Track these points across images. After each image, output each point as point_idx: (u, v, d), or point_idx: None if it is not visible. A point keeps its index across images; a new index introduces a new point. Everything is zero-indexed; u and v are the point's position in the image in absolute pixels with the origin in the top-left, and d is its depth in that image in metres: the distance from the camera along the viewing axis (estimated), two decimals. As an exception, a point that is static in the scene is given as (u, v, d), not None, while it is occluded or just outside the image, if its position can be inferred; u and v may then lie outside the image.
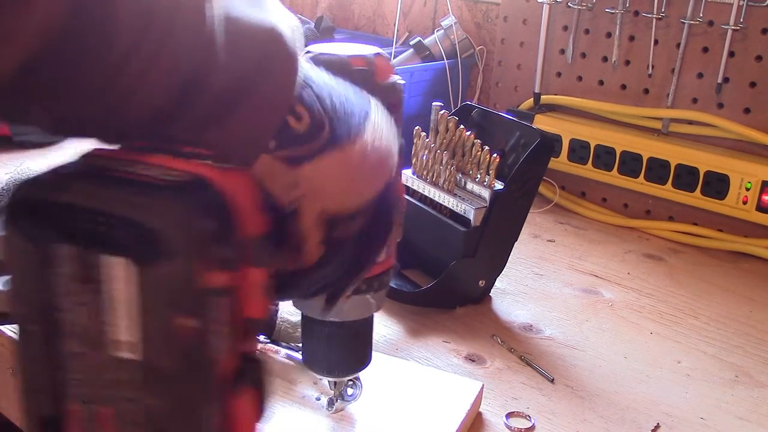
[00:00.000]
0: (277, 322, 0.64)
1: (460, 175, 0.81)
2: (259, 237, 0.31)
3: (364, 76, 0.43)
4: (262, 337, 0.63)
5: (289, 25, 0.34)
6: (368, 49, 0.45)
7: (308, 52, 0.43)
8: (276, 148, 0.34)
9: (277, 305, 0.67)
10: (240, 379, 0.31)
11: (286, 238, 0.36)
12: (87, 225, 0.27)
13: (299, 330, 0.65)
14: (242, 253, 0.30)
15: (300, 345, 0.64)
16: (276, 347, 0.62)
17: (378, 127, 0.39)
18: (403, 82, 0.47)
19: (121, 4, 0.26)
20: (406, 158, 0.87)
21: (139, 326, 0.28)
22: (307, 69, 0.36)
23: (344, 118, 0.37)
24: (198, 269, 0.28)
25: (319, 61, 0.42)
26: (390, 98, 0.45)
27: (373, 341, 0.55)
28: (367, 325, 0.52)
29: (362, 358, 0.54)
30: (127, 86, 0.27)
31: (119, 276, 0.27)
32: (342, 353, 0.53)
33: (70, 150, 0.31)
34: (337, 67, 0.42)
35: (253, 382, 0.33)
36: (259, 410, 0.33)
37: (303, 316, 0.52)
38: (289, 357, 0.62)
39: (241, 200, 0.30)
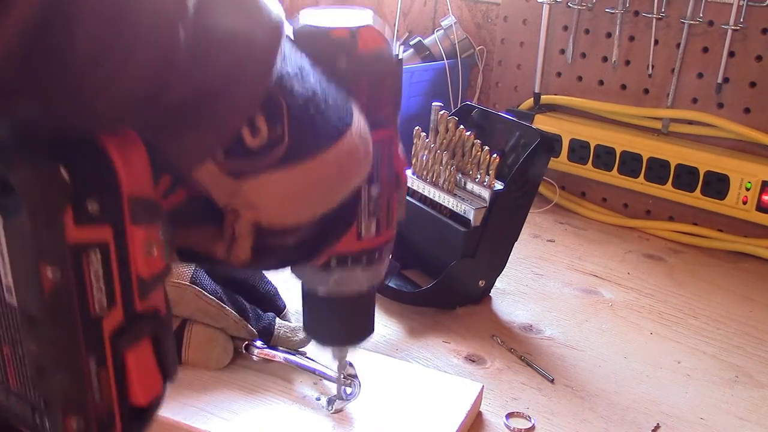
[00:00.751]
0: (276, 327, 0.64)
1: (460, 175, 0.81)
2: (142, 198, 0.31)
3: (345, 47, 0.42)
4: (259, 343, 0.63)
5: (272, 26, 0.32)
6: (360, 17, 0.43)
7: (297, 19, 0.41)
8: (222, 158, 0.33)
9: (275, 313, 0.67)
10: (131, 333, 0.32)
11: (221, 229, 0.36)
12: None
13: (297, 335, 0.65)
14: (118, 210, 0.30)
15: (298, 350, 0.64)
16: (274, 352, 0.62)
17: (349, 142, 0.37)
18: (401, 56, 0.46)
19: (83, 33, 0.25)
20: (406, 159, 0.87)
21: (11, 273, 0.29)
22: (294, 68, 0.34)
23: (310, 134, 0.35)
24: (59, 222, 0.28)
25: (300, 34, 0.40)
26: (374, 69, 0.43)
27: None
28: (360, 299, 0.50)
29: (356, 333, 0.52)
30: (95, 88, 0.27)
31: None
32: (333, 325, 0.51)
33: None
34: (317, 39, 0.40)
35: (149, 337, 0.33)
36: (160, 365, 0.34)
37: (302, 284, 0.51)
38: (287, 360, 0.62)
39: (121, 158, 0.30)
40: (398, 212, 0.49)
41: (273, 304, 0.67)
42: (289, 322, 0.67)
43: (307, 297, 0.51)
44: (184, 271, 0.62)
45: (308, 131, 0.35)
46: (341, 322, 0.52)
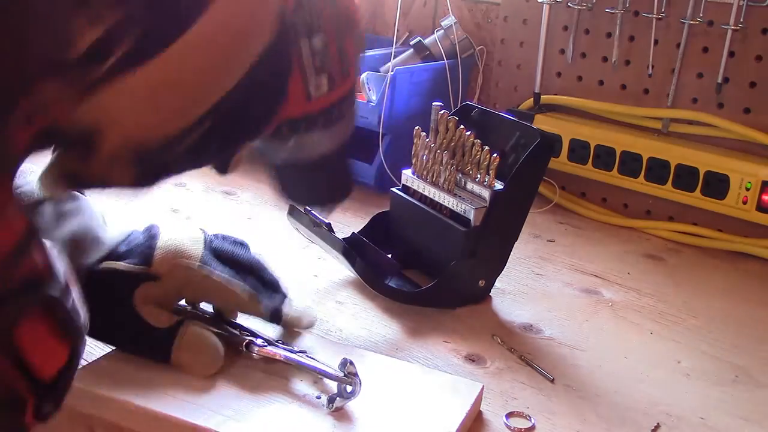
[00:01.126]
0: (284, 310, 0.65)
1: (460, 175, 0.81)
2: None
3: None
4: (260, 341, 0.63)
5: None
6: None
7: None
8: (68, 69, 0.27)
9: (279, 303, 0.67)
10: (16, 305, 0.27)
11: (86, 154, 0.30)
12: None
13: (305, 319, 0.66)
14: None
15: (298, 349, 0.64)
16: (274, 350, 0.62)
17: (218, 14, 0.30)
18: None
19: None
20: (406, 158, 0.87)
21: None
22: None
23: (164, 18, 0.28)
24: None
25: None
26: None
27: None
28: (326, 160, 0.47)
29: (332, 192, 0.50)
30: None
31: None
32: (306, 188, 0.49)
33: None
34: None
35: (39, 306, 0.28)
36: (62, 331, 0.29)
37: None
38: (287, 359, 0.62)
39: None
40: (356, 57, 0.43)
41: (277, 291, 0.68)
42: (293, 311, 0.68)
43: (272, 166, 0.49)
44: (193, 254, 0.62)
45: (160, 17, 0.28)
46: (315, 184, 0.49)
